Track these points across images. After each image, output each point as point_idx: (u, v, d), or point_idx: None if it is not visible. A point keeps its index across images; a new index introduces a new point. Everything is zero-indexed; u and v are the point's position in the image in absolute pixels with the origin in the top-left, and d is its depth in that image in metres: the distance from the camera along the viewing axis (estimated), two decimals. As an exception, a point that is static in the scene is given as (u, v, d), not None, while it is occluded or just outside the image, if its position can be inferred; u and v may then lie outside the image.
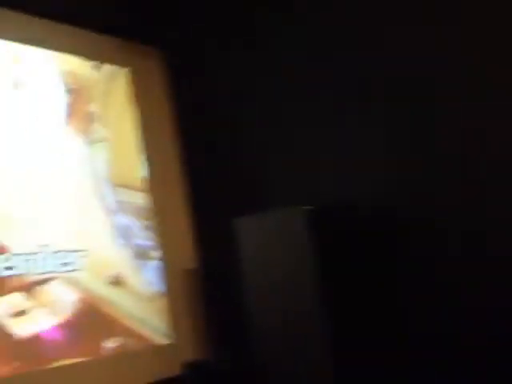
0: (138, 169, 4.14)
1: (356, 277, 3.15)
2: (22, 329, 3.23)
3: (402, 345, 3.18)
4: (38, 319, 3.33)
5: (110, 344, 3.60)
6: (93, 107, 3.95)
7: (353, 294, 3.10)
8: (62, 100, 3.81)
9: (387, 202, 3.34)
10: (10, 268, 3.31)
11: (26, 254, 3.38)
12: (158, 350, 3.85)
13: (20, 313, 3.25)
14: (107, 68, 4.13)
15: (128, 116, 4.19)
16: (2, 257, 3.28)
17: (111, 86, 4.11)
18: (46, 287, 3.40)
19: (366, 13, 3.42)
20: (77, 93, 3.87)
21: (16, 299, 3.26)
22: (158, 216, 4.11)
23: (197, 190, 4.22)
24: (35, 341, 3.27)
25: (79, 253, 3.62)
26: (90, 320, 3.55)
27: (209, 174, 4.14)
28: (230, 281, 3.67)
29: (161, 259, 4.07)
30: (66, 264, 3.55)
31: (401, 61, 3.30)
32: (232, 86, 4.02)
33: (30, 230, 3.44)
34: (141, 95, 4.26)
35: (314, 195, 3.50)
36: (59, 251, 3.53)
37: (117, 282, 3.76)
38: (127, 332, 3.72)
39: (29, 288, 3.33)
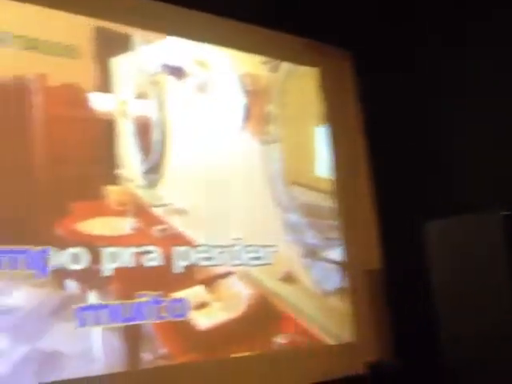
0: (313, 167, 4.16)
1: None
2: (201, 321, 3.34)
3: None
4: (216, 312, 3.43)
5: (281, 340, 3.66)
6: (269, 108, 4.02)
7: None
8: (240, 102, 3.90)
9: None
10: (208, 259, 3.46)
11: (222, 246, 3.53)
12: (330, 349, 3.86)
13: (201, 305, 3.37)
14: (284, 68, 4.16)
15: (306, 115, 4.22)
16: (201, 248, 3.44)
17: (288, 85, 4.14)
18: (224, 281, 3.51)
19: None
20: (254, 94, 3.94)
21: (199, 292, 3.39)
22: (343, 215, 4.12)
23: (385, 191, 4.17)
24: (212, 333, 3.38)
25: (268, 248, 3.73)
26: (262, 315, 3.62)
27: (398, 174, 4.05)
28: (415, 284, 3.61)
29: (343, 258, 4.08)
30: (256, 258, 3.67)
31: None
32: (421, 86, 3.95)
33: (221, 225, 3.57)
34: (327, 95, 4.28)
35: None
36: (251, 245, 3.66)
37: (288, 278, 3.80)
38: (298, 329, 3.76)
39: (210, 281, 3.45)
